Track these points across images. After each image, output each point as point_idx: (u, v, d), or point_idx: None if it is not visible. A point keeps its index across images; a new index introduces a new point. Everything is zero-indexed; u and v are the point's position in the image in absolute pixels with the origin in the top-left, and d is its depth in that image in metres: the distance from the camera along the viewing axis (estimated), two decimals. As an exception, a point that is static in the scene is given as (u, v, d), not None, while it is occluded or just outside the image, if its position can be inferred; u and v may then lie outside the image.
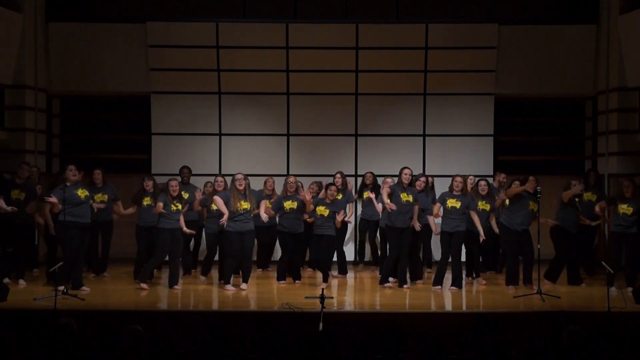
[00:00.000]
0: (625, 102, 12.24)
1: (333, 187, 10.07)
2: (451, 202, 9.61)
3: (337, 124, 12.90)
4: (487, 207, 10.06)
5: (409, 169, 9.83)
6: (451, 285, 9.59)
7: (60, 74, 12.78)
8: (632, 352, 5.66)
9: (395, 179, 10.07)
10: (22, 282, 9.80)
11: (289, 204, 10.08)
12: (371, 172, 11.48)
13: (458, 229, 9.60)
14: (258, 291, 9.62)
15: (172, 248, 9.62)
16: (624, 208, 9.64)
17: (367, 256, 11.90)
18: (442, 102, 12.88)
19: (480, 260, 10.58)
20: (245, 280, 9.63)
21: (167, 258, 9.84)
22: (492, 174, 12.33)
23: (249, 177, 9.91)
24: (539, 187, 9.35)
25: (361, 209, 11.70)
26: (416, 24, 12.70)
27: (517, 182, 9.98)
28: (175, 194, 9.52)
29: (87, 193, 9.26)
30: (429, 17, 12.80)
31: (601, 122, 12.65)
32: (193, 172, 11.64)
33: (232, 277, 9.66)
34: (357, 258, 12.21)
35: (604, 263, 8.44)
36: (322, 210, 9.91)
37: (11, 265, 9.90)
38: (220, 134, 12.90)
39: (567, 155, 13.32)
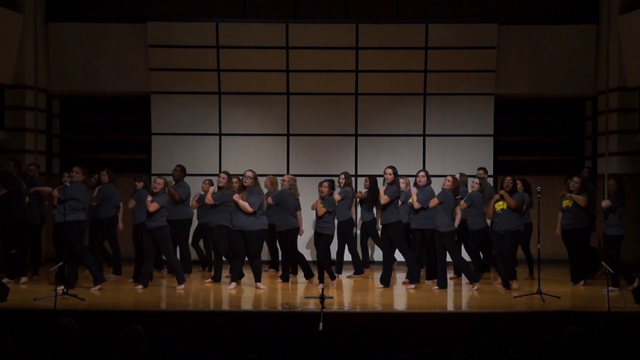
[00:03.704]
0: (625, 102, 12.24)
1: (325, 184, 10.02)
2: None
3: (337, 124, 12.89)
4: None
5: (389, 168, 9.89)
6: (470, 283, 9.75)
7: (60, 74, 12.77)
8: (632, 352, 5.65)
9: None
10: (24, 279, 9.89)
11: None
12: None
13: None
14: (258, 291, 9.60)
15: (162, 247, 9.61)
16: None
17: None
18: (442, 102, 12.88)
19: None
20: (259, 280, 9.71)
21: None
22: (492, 173, 12.34)
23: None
24: (539, 187, 9.36)
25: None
26: (416, 24, 12.70)
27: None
28: (156, 190, 9.48)
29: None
30: (429, 17, 12.80)
31: (601, 122, 12.64)
32: (193, 172, 11.67)
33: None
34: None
35: (604, 263, 8.45)
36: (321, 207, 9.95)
37: (15, 264, 10.01)
38: (220, 134, 12.89)
39: (567, 155, 13.32)
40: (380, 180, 11.15)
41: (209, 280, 10.23)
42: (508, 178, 9.63)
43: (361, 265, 11.09)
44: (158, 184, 9.55)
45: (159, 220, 9.45)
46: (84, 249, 9.39)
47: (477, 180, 10.13)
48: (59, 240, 9.41)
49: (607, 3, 12.35)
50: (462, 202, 9.75)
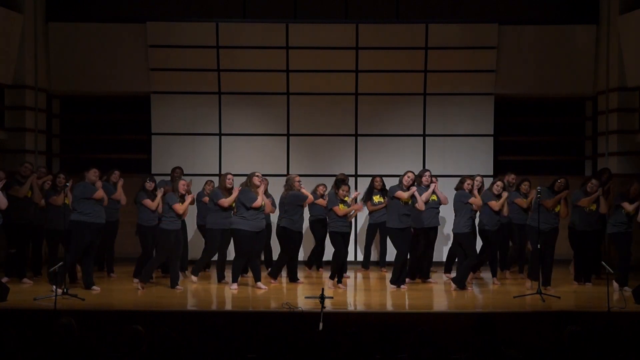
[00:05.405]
0: (625, 102, 12.24)
1: (346, 187, 10.04)
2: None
3: (337, 124, 12.89)
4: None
5: (412, 172, 9.93)
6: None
7: (60, 74, 12.78)
8: (632, 352, 5.65)
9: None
10: (26, 280, 9.89)
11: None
12: (380, 177, 11.39)
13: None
14: (258, 291, 9.60)
15: (173, 249, 9.62)
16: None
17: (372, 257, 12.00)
18: (442, 102, 12.88)
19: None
20: (259, 279, 9.72)
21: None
22: (492, 173, 12.36)
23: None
24: (539, 188, 9.38)
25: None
26: (416, 24, 12.70)
27: (527, 182, 10.51)
28: (182, 192, 9.56)
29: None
30: (429, 17, 12.80)
31: (601, 122, 12.65)
32: (193, 172, 11.64)
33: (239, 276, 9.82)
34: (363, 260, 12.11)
35: (604, 263, 8.46)
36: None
37: (16, 265, 10.02)
38: (220, 134, 12.89)
39: (567, 155, 13.32)
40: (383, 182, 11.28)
41: (209, 280, 10.24)
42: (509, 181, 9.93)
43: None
44: (187, 185, 9.68)
45: (174, 224, 9.52)
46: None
47: (499, 183, 10.12)
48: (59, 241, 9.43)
49: (607, 3, 12.36)
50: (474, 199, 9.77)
